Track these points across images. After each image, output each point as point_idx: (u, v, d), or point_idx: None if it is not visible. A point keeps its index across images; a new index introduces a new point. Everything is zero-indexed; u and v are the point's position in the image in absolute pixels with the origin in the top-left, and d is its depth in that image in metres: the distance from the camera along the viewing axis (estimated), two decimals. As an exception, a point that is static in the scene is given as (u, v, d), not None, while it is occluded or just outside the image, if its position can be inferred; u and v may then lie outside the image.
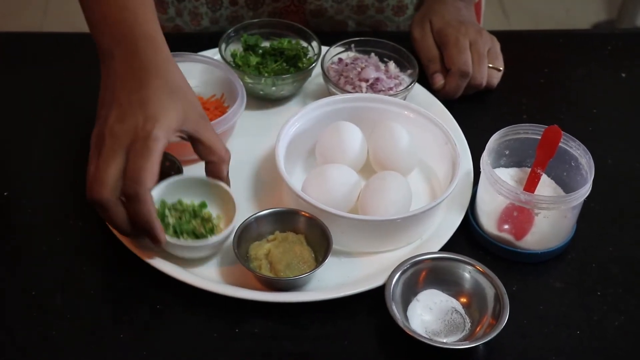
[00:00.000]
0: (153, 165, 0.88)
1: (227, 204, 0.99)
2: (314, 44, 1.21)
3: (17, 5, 2.81)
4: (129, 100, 0.90)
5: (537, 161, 1.02)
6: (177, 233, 0.96)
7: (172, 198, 0.99)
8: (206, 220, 0.98)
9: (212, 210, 1.00)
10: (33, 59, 1.27)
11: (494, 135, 1.03)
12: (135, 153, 0.88)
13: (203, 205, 1.00)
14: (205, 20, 1.33)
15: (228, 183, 0.98)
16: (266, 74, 1.17)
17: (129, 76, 0.92)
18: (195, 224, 0.97)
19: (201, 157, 0.96)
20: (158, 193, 0.98)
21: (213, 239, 0.95)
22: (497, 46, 1.24)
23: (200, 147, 0.94)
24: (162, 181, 0.98)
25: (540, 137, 1.03)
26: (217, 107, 1.13)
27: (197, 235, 0.96)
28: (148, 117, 0.89)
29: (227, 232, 0.96)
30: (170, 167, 1.02)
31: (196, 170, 1.07)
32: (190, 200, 1.00)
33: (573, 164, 1.03)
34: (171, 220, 0.97)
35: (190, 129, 0.92)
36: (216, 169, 0.96)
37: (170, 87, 0.92)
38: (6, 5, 2.79)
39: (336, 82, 1.17)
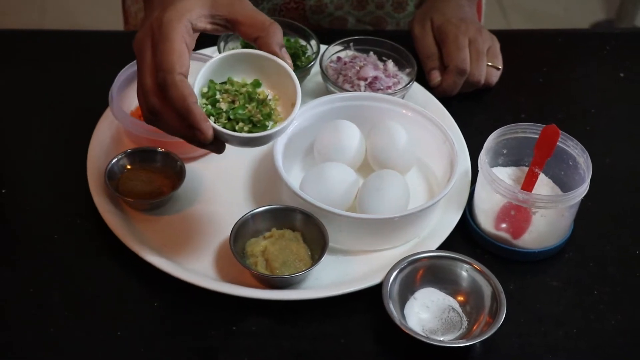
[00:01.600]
0: (173, 47, 0.83)
1: (284, 82, 0.89)
2: (313, 42, 1.21)
3: (15, 2, 2.80)
4: (152, 4, 0.88)
5: (534, 160, 1.03)
6: (230, 120, 0.87)
7: (221, 77, 0.90)
8: (262, 103, 0.88)
9: (267, 90, 0.90)
10: (32, 57, 1.27)
11: (492, 134, 1.04)
12: (155, 44, 0.84)
13: (257, 84, 0.90)
14: (204, 17, 1.33)
15: (286, 56, 0.88)
16: (265, 72, 1.17)
17: None
18: (252, 108, 0.88)
19: (247, 39, 0.88)
20: (204, 74, 0.89)
21: (273, 130, 0.86)
22: (497, 45, 1.24)
23: (241, 28, 0.87)
24: (207, 61, 0.89)
25: (538, 136, 1.03)
26: (215, 105, 1.13)
27: (254, 124, 0.87)
28: (163, 7, 0.86)
29: (289, 120, 0.86)
30: (172, 165, 1.03)
31: (195, 169, 1.08)
32: (242, 78, 0.90)
33: (571, 163, 1.03)
34: (224, 105, 0.87)
35: (224, 12, 0.87)
36: (266, 44, 0.87)
37: None
38: (5, 3, 2.79)
39: (335, 81, 1.17)
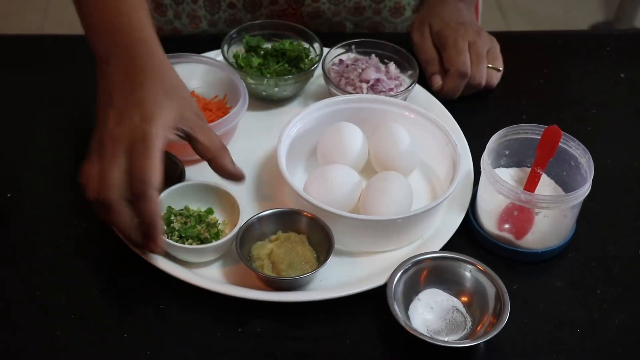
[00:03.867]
0: (156, 162, 0.88)
1: (233, 210, 1.00)
2: (316, 45, 1.21)
3: (17, 7, 2.81)
4: (126, 102, 0.91)
5: (537, 161, 1.03)
6: (182, 238, 0.98)
7: (179, 204, 1.01)
8: (212, 225, 1.00)
9: (219, 216, 1.02)
10: (34, 61, 1.27)
11: (494, 135, 1.04)
12: (137, 153, 0.88)
13: (209, 211, 1.02)
14: (203, 23, 1.34)
15: (237, 175, 0.97)
16: (268, 75, 1.17)
17: (125, 80, 0.93)
18: (200, 229, 0.99)
19: (200, 156, 0.96)
20: (164, 199, 1.00)
21: (214, 243, 0.96)
22: (497, 47, 1.25)
23: (198, 146, 0.95)
24: (168, 187, 1.00)
25: (540, 137, 1.03)
26: (219, 108, 1.13)
27: (201, 240, 0.98)
28: (144, 117, 0.90)
29: (228, 237, 0.97)
30: (174, 168, 1.03)
31: (199, 170, 1.08)
32: (197, 206, 1.02)
33: (573, 164, 1.03)
34: (176, 225, 0.98)
35: (187, 127, 0.93)
36: (217, 165, 0.96)
37: (165, 88, 0.93)
38: (6, 8, 2.79)
39: (337, 83, 1.17)
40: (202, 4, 1.32)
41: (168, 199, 1.01)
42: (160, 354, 0.91)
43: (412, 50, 1.25)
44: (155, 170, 0.88)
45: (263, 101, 1.19)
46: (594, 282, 1.00)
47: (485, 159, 1.01)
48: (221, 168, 0.96)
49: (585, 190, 0.99)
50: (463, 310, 0.95)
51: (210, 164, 0.96)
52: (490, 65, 1.22)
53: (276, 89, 1.17)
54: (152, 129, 0.89)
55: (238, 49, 1.22)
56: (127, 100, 0.92)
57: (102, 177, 0.89)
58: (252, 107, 1.13)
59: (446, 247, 1.01)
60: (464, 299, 0.96)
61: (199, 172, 1.08)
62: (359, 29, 1.36)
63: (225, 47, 1.20)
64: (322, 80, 1.19)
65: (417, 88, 1.20)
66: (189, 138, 0.94)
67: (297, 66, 1.20)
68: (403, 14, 1.36)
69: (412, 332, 0.90)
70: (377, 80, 1.17)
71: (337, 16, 1.34)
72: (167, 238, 0.97)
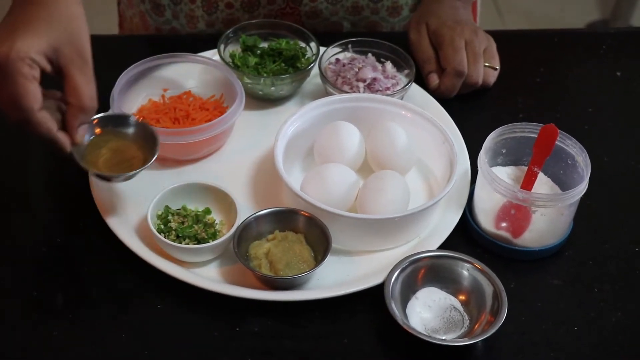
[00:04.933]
0: (24, 87, 0.87)
1: (230, 210, 1.00)
2: (312, 44, 1.21)
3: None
4: (4, 26, 0.90)
5: (533, 159, 1.03)
6: (179, 237, 0.98)
7: (177, 204, 1.01)
8: (209, 225, 1.00)
9: (216, 216, 1.02)
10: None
11: (491, 134, 1.04)
12: (5, 81, 0.87)
13: (207, 211, 1.02)
14: (201, 23, 1.34)
15: (75, 135, 0.93)
16: (265, 74, 1.17)
17: (15, 4, 0.93)
18: (198, 228, 0.99)
19: (64, 96, 0.92)
20: (163, 199, 1.00)
21: (211, 243, 0.96)
22: (494, 46, 1.25)
23: (66, 85, 0.91)
24: (168, 187, 1.00)
25: (536, 136, 1.04)
26: (216, 108, 1.13)
27: (199, 240, 0.98)
28: (6, 41, 0.88)
29: (226, 236, 0.97)
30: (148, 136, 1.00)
31: (197, 170, 1.08)
32: (195, 206, 1.02)
33: (569, 162, 1.03)
34: (174, 225, 0.98)
35: (61, 62, 0.90)
36: (70, 113, 0.92)
37: (51, 17, 0.91)
38: (4, 10, 2.79)
39: (334, 83, 1.17)
40: (199, 4, 1.31)
41: (166, 199, 1.01)
42: (158, 354, 0.91)
43: (409, 49, 1.25)
44: (26, 95, 0.87)
45: (260, 100, 1.19)
46: (591, 280, 1.00)
47: (482, 158, 1.01)
48: (69, 120, 0.92)
49: (582, 188, 0.99)
50: (460, 308, 0.95)
51: (66, 109, 0.92)
52: (487, 64, 1.22)
53: (273, 88, 1.17)
54: (11, 52, 0.87)
55: (235, 48, 1.22)
56: (5, 24, 0.91)
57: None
58: (248, 106, 1.13)
59: (443, 246, 1.01)
60: (462, 297, 0.96)
61: (197, 173, 1.08)
62: (356, 28, 1.36)
63: (222, 47, 1.20)
64: (318, 80, 1.19)
65: (414, 87, 1.20)
66: (61, 73, 0.91)
67: (293, 65, 1.20)
68: (400, 14, 1.36)
69: (409, 330, 0.90)
70: (374, 79, 1.17)
71: (335, 15, 1.34)
72: (165, 237, 0.97)
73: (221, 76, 1.15)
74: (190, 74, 1.16)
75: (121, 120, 1.00)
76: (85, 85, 0.91)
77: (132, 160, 0.98)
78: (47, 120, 0.90)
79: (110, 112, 1.00)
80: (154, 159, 0.97)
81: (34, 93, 0.88)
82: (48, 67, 0.90)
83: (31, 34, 0.88)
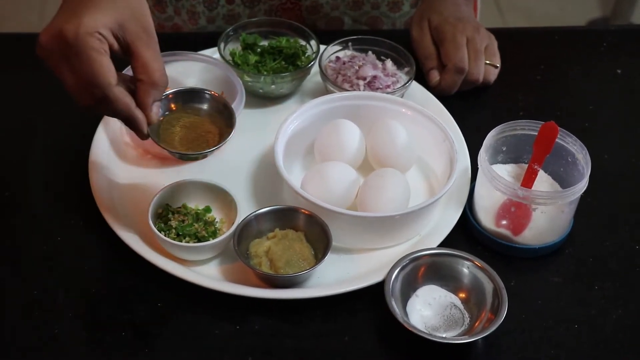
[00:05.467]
0: (98, 63, 0.84)
1: (230, 208, 1.00)
2: (312, 42, 1.21)
3: (15, 7, 2.81)
4: (64, 6, 0.88)
5: (534, 157, 1.03)
6: (179, 236, 0.98)
7: (177, 202, 1.01)
8: (209, 223, 1.00)
9: (216, 214, 1.02)
10: (32, 61, 1.26)
11: (491, 131, 1.04)
12: (77, 60, 0.85)
13: (207, 209, 1.02)
14: (202, 19, 1.34)
15: (151, 114, 0.90)
16: (265, 73, 1.18)
17: None
18: (198, 227, 0.99)
19: (135, 74, 0.90)
20: (163, 197, 1.00)
21: (211, 241, 0.96)
22: (495, 43, 1.25)
23: (134, 63, 0.89)
24: (166, 185, 1.00)
25: (537, 133, 1.03)
26: (216, 106, 1.13)
27: (199, 238, 0.98)
28: (72, 18, 0.85)
29: (226, 234, 0.97)
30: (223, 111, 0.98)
31: (197, 169, 1.08)
32: (195, 204, 1.02)
33: (570, 160, 1.03)
34: (174, 223, 0.98)
35: (127, 38, 0.88)
36: (142, 90, 0.89)
37: None
38: (5, 7, 2.79)
39: (334, 81, 1.17)
40: (200, 0, 1.32)
41: (166, 197, 1.01)
42: (159, 352, 0.91)
43: (409, 47, 1.25)
44: (101, 70, 0.84)
45: (260, 99, 1.19)
46: (592, 277, 1.00)
47: (483, 156, 1.01)
48: (141, 97, 0.89)
49: (582, 186, 0.99)
50: (461, 306, 0.95)
51: (137, 86, 0.90)
52: (487, 62, 1.22)
53: (273, 86, 1.17)
54: (80, 28, 0.84)
55: (235, 46, 1.22)
56: (67, 4, 0.88)
57: (69, 89, 0.87)
58: (249, 104, 1.13)
59: (444, 244, 1.01)
60: (462, 295, 0.96)
61: (197, 171, 1.08)
62: (357, 24, 1.36)
63: (222, 45, 1.20)
64: (319, 78, 1.19)
65: (414, 85, 1.20)
66: (128, 53, 0.89)
67: (294, 63, 1.20)
68: (401, 9, 1.36)
69: (410, 328, 0.90)
70: (374, 77, 1.17)
71: (336, 10, 1.34)
72: (165, 236, 0.97)
73: (221, 74, 1.15)
74: (190, 72, 1.16)
75: (193, 95, 0.97)
76: (154, 60, 0.89)
77: (207, 136, 0.95)
78: (125, 96, 0.87)
79: (181, 88, 0.97)
80: (233, 133, 0.94)
81: (109, 67, 0.85)
82: (115, 44, 0.87)
83: (97, 11, 0.86)
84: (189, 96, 0.96)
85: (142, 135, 0.90)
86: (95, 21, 0.85)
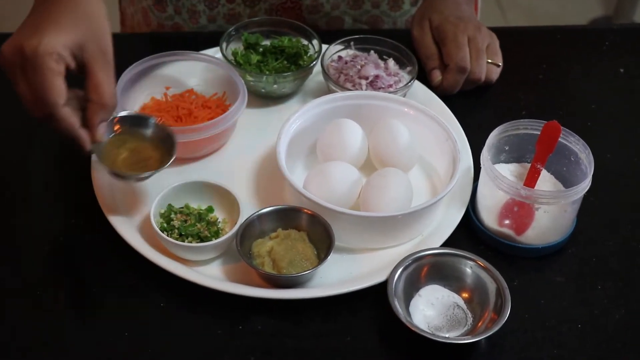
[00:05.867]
0: (50, 81, 0.88)
1: (233, 208, 1.00)
2: (315, 41, 1.21)
3: (13, 6, 2.81)
4: (28, 21, 0.91)
5: (536, 156, 1.03)
6: (182, 236, 0.98)
7: (180, 202, 1.01)
8: (212, 223, 1.00)
9: (219, 214, 1.02)
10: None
11: (494, 131, 1.04)
12: (32, 76, 0.88)
13: (210, 209, 1.02)
14: (203, 18, 1.34)
15: (96, 133, 0.94)
16: (267, 72, 1.17)
17: (38, 4, 0.94)
18: (200, 227, 0.99)
19: (86, 94, 0.93)
20: (165, 197, 1.00)
21: (213, 241, 0.96)
22: (496, 42, 1.25)
23: (88, 82, 0.92)
24: (170, 185, 1.00)
25: (539, 133, 1.03)
26: (218, 106, 1.13)
27: (201, 238, 0.98)
28: (34, 35, 0.89)
29: (228, 234, 0.97)
30: (160, 134, 1.01)
31: (199, 169, 1.08)
32: (197, 204, 1.02)
33: (572, 159, 1.03)
34: (176, 223, 0.99)
35: (85, 59, 0.91)
36: (91, 110, 0.93)
37: (76, 14, 0.92)
38: (5, 8, 2.79)
39: (336, 80, 1.17)
40: (201, -1, 1.32)
41: (169, 197, 1.01)
42: (161, 352, 0.91)
43: (411, 46, 1.24)
44: (53, 88, 0.88)
45: (262, 98, 1.19)
46: (595, 277, 1.00)
47: (485, 155, 1.01)
48: (89, 117, 0.93)
49: (585, 185, 0.99)
50: (464, 306, 0.95)
51: (87, 106, 0.93)
52: (489, 61, 1.22)
53: (275, 86, 1.17)
54: (40, 47, 0.88)
55: (237, 46, 1.22)
56: (30, 21, 0.92)
57: (23, 99, 0.90)
58: (251, 104, 1.13)
59: (446, 243, 1.01)
60: (465, 295, 0.96)
61: (199, 171, 1.08)
62: (357, 23, 1.36)
63: (224, 45, 1.20)
64: (321, 77, 1.19)
65: (416, 84, 1.20)
66: (84, 70, 0.92)
67: (296, 63, 1.20)
68: (402, 7, 1.36)
69: (413, 328, 0.90)
70: (376, 76, 1.17)
71: (336, 10, 1.34)
72: (167, 236, 0.97)
73: (223, 74, 1.15)
74: (192, 72, 1.16)
75: (140, 120, 1.01)
76: (107, 82, 0.93)
77: (149, 161, 0.99)
78: (70, 116, 0.91)
79: (130, 112, 1.01)
80: (171, 161, 0.98)
81: (59, 88, 0.89)
82: (72, 64, 0.91)
83: (58, 30, 0.89)
84: (136, 121, 1.00)
85: (85, 152, 0.94)
86: (56, 42, 0.88)
